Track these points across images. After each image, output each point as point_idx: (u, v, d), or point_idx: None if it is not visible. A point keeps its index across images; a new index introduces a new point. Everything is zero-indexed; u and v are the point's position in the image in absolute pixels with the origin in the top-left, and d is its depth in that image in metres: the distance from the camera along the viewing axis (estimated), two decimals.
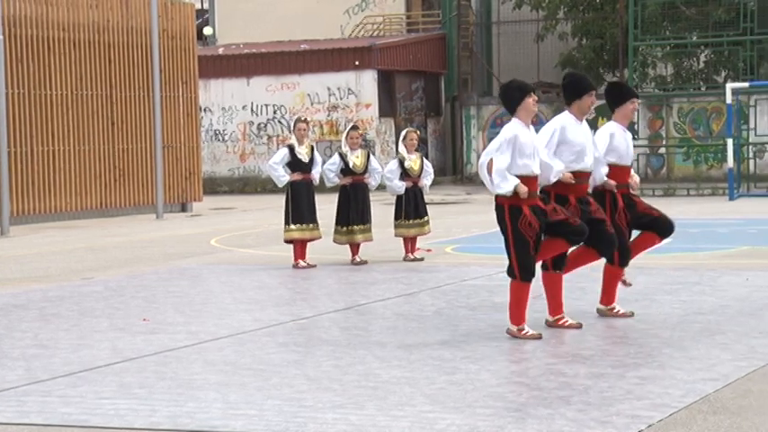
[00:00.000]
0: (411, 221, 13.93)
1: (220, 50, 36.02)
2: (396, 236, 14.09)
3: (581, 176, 8.72)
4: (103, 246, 17.35)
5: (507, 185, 8.17)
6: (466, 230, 18.24)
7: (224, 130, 35.30)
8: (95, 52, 23.94)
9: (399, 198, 13.99)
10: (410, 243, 14.00)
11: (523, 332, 8.32)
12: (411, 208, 13.92)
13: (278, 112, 34.62)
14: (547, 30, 35.50)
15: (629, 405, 6.28)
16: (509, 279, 8.40)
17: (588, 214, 8.62)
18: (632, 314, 9.25)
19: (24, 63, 22.54)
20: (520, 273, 8.28)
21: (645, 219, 9.18)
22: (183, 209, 25.93)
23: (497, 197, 8.32)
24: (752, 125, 30.17)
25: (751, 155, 29.57)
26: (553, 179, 8.55)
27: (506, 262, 8.40)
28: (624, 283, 9.41)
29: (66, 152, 23.31)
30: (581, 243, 8.65)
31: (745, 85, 27.52)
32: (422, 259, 13.90)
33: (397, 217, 14.02)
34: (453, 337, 8.49)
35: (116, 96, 24.33)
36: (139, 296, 11.36)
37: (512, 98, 8.38)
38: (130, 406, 6.57)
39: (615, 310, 9.27)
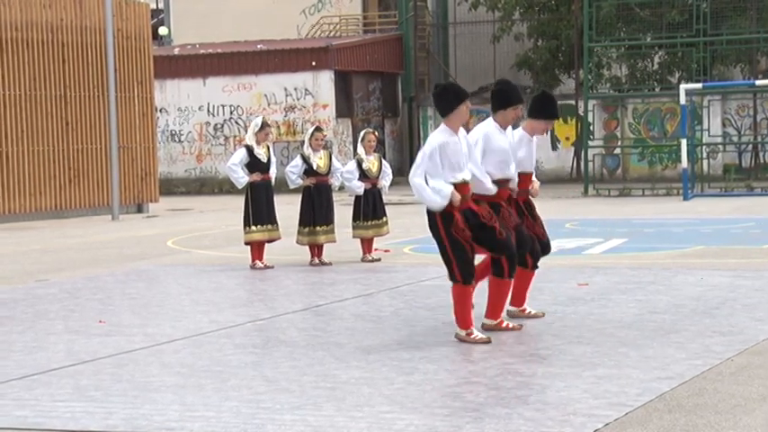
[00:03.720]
0: (369, 222, 13.93)
1: (176, 50, 35.83)
2: (354, 237, 14.09)
3: (503, 183, 8.68)
4: (58, 247, 17.20)
5: (440, 200, 8.01)
6: (424, 231, 18.15)
7: (180, 131, 35.12)
8: (49, 52, 23.73)
9: (358, 199, 13.99)
10: (368, 244, 14.00)
11: (472, 336, 8.22)
12: (369, 209, 13.92)
13: (234, 112, 34.50)
14: (503, 31, 35.65)
15: (585, 404, 6.32)
16: (450, 284, 8.31)
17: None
18: (543, 314, 9.19)
19: None
20: (461, 276, 8.19)
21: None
22: (140, 210, 25.76)
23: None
24: (705, 126, 30.49)
25: (705, 155, 29.87)
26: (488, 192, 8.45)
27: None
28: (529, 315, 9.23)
29: (19, 153, 23.08)
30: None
31: (699, 86, 27.80)
32: (379, 260, 13.91)
33: (355, 218, 14.01)
34: (411, 338, 8.50)
35: (70, 96, 24.12)
36: (95, 298, 11.27)
37: (447, 103, 8.17)
38: (86, 409, 6.52)
39: (527, 312, 9.18)
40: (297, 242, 13.81)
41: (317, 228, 13.61)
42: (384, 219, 14.07)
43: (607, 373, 7.08)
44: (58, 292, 11.72)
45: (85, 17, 24.54)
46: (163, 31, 38.59)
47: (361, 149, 14.00)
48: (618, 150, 33.28)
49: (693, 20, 30.03)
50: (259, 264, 13.42)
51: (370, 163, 13.95)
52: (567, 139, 34.47)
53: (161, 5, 41.04)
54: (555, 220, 20.11)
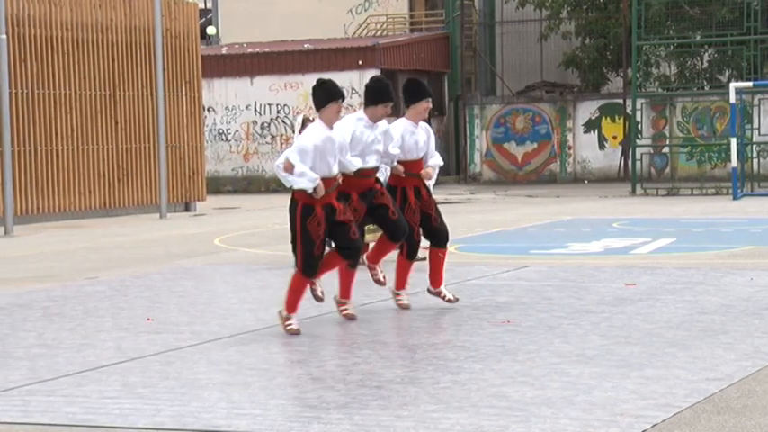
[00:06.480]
0: None
1: (223, 50, 36.04)
2: None
3: (365, 173, 9.10)
4: (107, 245, 17.37)
5: (307, 182, 8.39)
6: (469, 230, 18.23)
7: (227, 130, 35.33)
8: (99, 52, 23.96)
9: None
10: None
11: (288, 322, 8.58)
12: None
13: (281, 111, 34.64)
14: (550, 29, 35.48)
15: (633, 405, 6.28)
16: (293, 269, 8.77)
17: (371, 201, 9.12)
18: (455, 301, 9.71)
19: (28, 63, 22.57)
20: (303, 268, 8.63)
21: (425, 224, 9.70)
22: (187, 208, 25.94)
23: (294, 192, 8.58)
24: (755, 125, 30.15)
25: (755, 154, 29.55)
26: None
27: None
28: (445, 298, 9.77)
29: (69, 151, 23.33)
30: (352, 260, 8.96)
31: (749, 84, 27.49)
32: (424, 259, 13.87)
33: None
34: (457, 337, 8.49)
35: (119, 96, 24.35)
36: (143, 296, 11.36)
37: (318, 99, 8.63)
38: (134, 405, 6.57)
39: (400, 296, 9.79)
40: None
41: (363, 227, 13.60)
42: None
43: (655, 374, 7.03)
44: (107, 290, 11.83)
45: (134, 17, 24.76)
46: (211, 30, 38.82)
47: None
48: (666, 149, 33.00)
49: (744, 18, 29.71)
50: None
51: None
52: (615, 137, 34.22)
53: (209, 5, 41.29)
54: (602, 219, 19.98)
